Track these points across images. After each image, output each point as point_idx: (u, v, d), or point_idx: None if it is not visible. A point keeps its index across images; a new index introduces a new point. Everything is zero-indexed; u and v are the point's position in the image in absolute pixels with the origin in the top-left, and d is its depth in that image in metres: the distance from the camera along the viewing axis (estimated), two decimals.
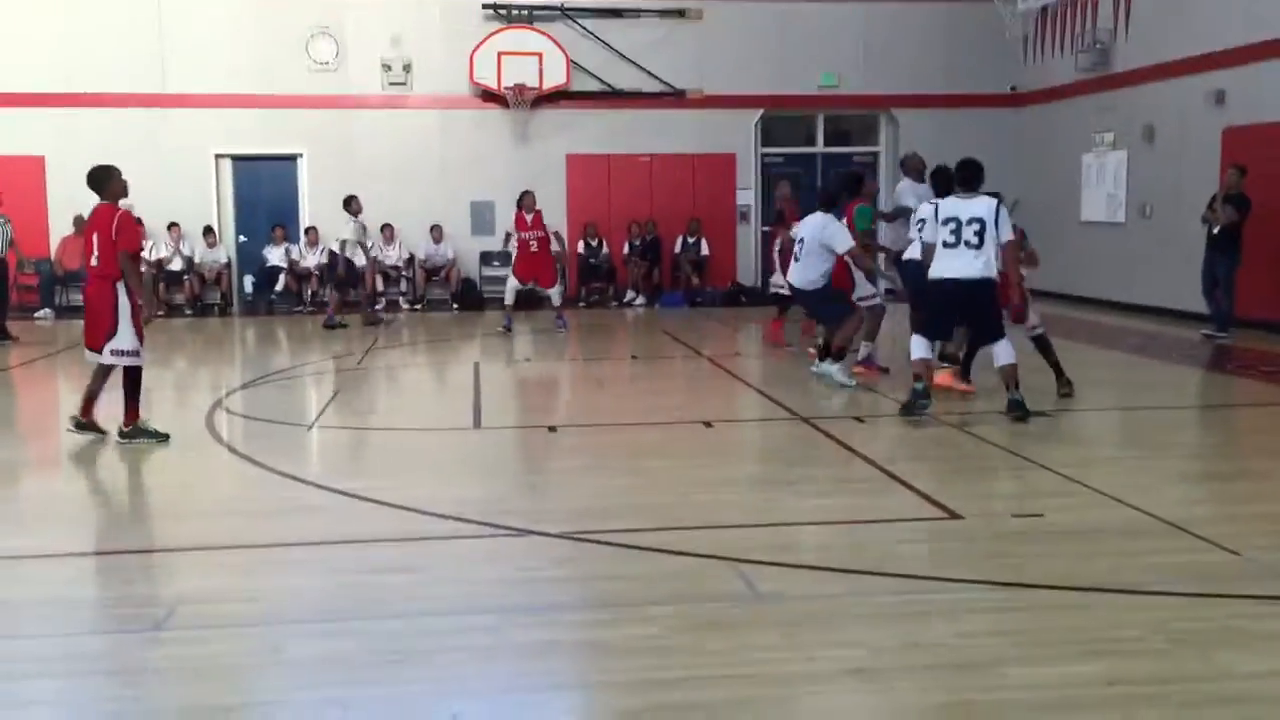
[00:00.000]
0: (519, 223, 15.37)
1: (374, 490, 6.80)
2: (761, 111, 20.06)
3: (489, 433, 8.92)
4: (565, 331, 15.41)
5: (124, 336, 8.26)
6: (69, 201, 17.53)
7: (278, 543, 5.90)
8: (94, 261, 8.27)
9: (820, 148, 20.68)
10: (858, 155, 20.67)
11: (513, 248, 15.77)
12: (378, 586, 5.13)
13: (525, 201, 15.29)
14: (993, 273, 8.80)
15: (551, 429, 8.86)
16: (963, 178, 9.04)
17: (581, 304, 19.23)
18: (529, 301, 16.77)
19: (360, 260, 16.92)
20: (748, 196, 20.21)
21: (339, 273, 16.68)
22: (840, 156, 20.52)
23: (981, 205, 8.82)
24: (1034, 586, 5.03)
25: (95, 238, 8.24)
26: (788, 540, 5.79)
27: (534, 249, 15.30)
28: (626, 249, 19.74)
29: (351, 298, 17.12)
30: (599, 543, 5.73)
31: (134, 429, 8.31)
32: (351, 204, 16.47)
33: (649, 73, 19.60)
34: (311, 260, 18.74)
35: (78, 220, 17.96)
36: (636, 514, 6.31)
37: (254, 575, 5.38)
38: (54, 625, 4.76)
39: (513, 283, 15.49)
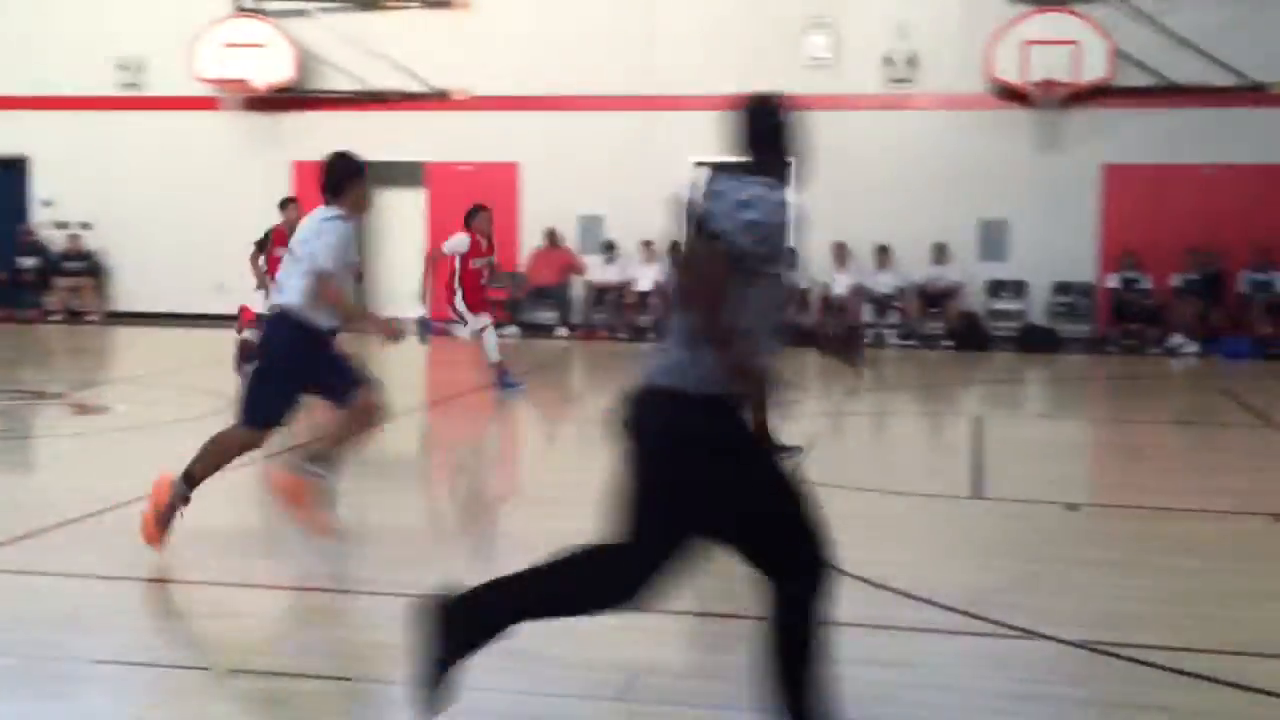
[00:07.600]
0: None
1: (846, 563, 6.44)
2: None
3: (990, 505, 8.46)
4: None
5: None
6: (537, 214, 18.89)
7: (735, 613, 5.67)
8: None
9: None
10: None
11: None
12: (851, 680, 4.74)
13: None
14: None
15: (1071, 507, 8.22)
16: None
17: (1111, 348, 18.09)
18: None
19: None
20: None
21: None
22: None
23: None
24: None
25: None
26: None
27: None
28: (1177, 282, 18.22)
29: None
30: (1126, 659, 5.14)
31: None
32: None
33: (1216, 60, 18.17)
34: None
35: (549, 233, 19.19)
36: (1174, 627, 5.62)
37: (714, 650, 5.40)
38: None
39: None
